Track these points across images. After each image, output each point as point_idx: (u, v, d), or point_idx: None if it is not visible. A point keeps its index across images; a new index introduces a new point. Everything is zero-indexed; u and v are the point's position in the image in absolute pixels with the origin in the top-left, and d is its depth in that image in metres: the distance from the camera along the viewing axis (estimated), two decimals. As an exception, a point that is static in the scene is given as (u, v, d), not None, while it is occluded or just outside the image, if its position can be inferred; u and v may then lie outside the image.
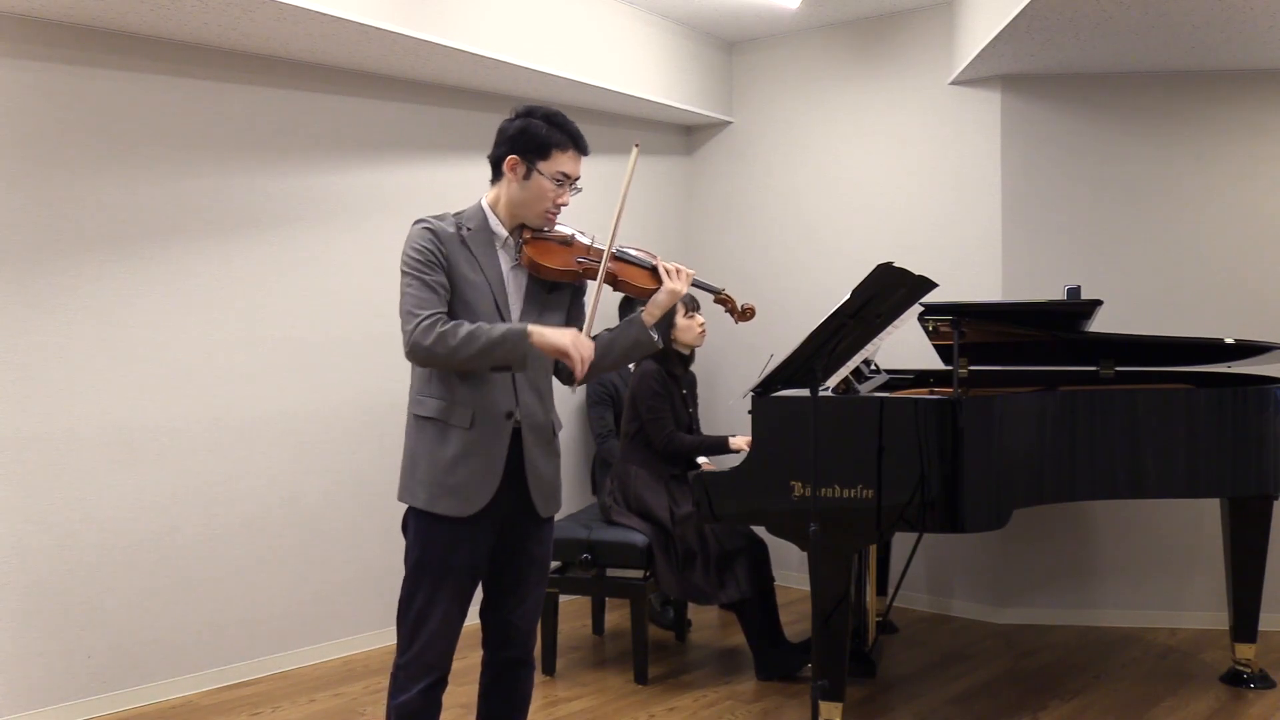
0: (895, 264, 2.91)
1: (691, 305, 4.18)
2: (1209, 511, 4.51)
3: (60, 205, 3.56)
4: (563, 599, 4.21)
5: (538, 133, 2.44)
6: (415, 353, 2.34)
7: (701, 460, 4.28)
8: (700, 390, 4.86)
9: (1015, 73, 4.66)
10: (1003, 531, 3.82)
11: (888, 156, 5.07)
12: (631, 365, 4.84)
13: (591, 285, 2.46)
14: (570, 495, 5.09)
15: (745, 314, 2.70)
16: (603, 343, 2.53)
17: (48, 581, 3.54)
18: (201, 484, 3.90)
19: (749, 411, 3.39)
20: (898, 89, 5.03)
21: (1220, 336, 4.08)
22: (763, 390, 3.35)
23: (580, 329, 2.42)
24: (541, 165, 2.44)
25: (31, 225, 3.51)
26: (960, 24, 4.68)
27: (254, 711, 3.71)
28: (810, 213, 5.32)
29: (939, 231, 4.90)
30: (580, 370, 2.34)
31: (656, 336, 2.53)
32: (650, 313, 2.52)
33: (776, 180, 5.43)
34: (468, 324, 2.34)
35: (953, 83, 4.85)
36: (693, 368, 4.41)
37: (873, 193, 5.11)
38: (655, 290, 2.53)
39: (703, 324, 4.20)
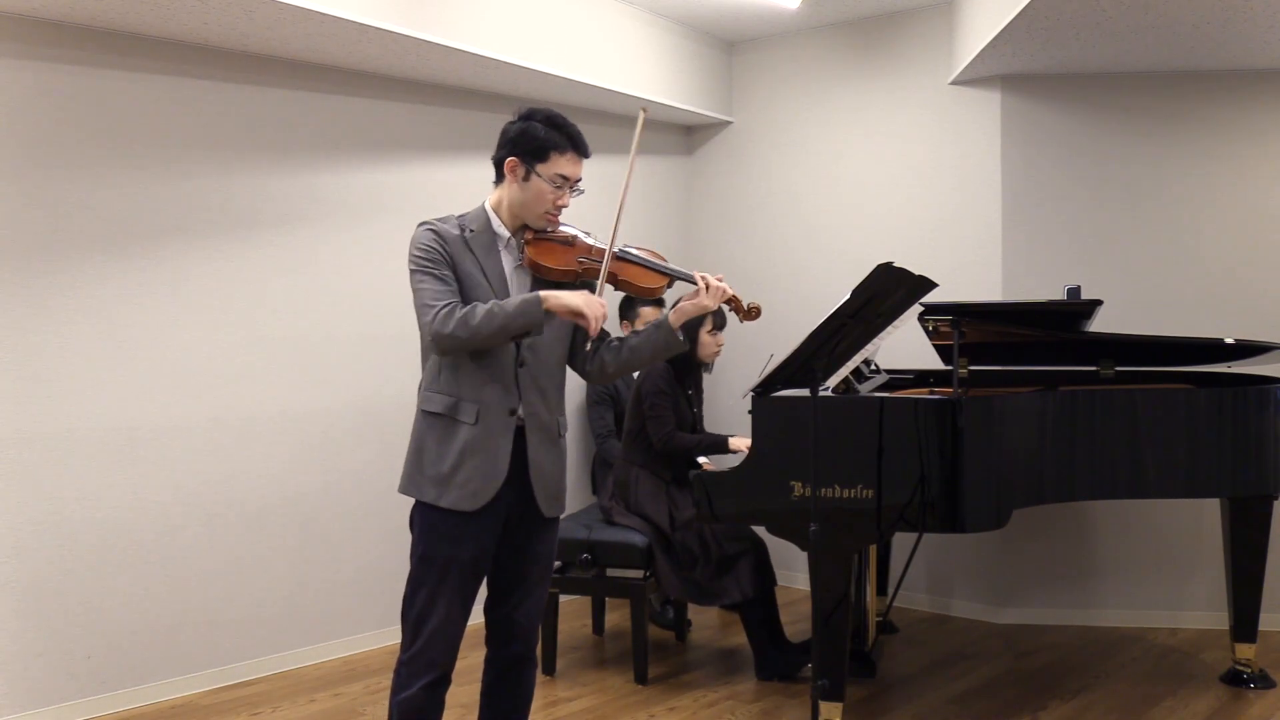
0: (895, 264, 2.91)
1: (718, 324, 4.17)
2: (1209, 511, 4.51)
3: (60, 205, 3.56)
4: (563, 599, 4.21)
5: (536, 135, 2.47)
6: (438, 341, 2.38)
7: (702, 460, 4.28)
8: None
9: (1015, 73, 4.66)
10: (1003, 531, 3.81)
11: (888, 156, 5.07)
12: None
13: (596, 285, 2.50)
14: (571, 495, 5.07)
15: (751, 313, 2.67)
16: (631, 345, 2.60)
17: (48, 582, 3.54)
18: (201, 484, 3.90)
19: (749, 411, 3.39)
20: (898, 89, 5.03)
21: (1220, 336, 4.08)
22: (763, 390, 3.35)
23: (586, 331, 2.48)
24: (540, 167, 2.47)
25: (31, 225, 3.51)
26: (960, 24, 4.68)
27: (254, 711, 3.71)
28: (810, 213, 5.32)
29: (939, 231, 4.90)
30: (594, 329, 2.39)
31: (683, 338, 2.59)
32: (676, 318, 2.56)
33: (776, 180, 5.43)
34: (482, 305, 2.39)
35: (953, 83, 4.85)
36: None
37: (873, 193, 5.11)
38: (657, 289, 2.59)
39: (721, 344, 4.20)
